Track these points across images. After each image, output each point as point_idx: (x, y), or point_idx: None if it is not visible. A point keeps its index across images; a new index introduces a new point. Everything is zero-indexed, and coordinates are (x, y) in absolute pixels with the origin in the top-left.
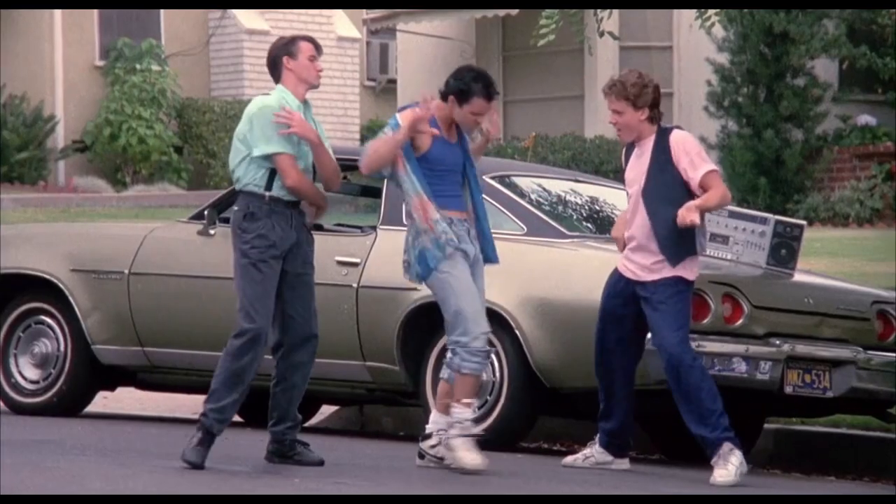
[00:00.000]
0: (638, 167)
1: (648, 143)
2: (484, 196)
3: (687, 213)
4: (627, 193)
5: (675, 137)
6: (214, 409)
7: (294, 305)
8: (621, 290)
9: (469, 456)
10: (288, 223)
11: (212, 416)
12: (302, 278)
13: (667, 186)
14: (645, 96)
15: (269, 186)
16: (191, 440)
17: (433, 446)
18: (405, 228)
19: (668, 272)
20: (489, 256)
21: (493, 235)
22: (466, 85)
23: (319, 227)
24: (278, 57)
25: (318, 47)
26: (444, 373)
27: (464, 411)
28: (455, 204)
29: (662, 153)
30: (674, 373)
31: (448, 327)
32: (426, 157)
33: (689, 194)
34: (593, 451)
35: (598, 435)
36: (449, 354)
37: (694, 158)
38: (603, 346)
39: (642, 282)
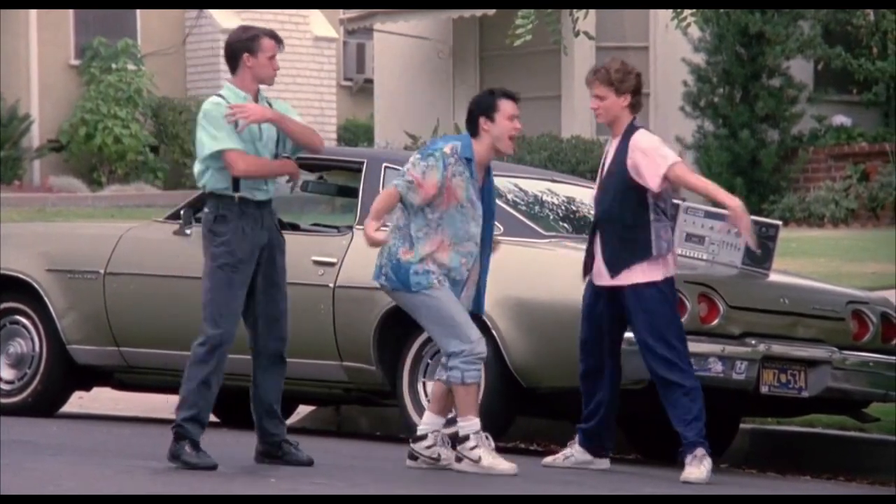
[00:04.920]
0: (606, 162)
1: (617, 140)
2: None
3: (739, 216)
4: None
5: (634, 138)
6: (189, 417)
7: (266, 307)
8: (600, 289)
9: (500, 462)
10: (258, 224)
11: (188, 426)
12: (272, 279)
13: (615, 191)
14: (628, 82)
15: (236, 187)
16: (181, 451)
17: (429, 447)
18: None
19: (631, 278)
20: (478, 307)
21: None
22: (488, 99)
23: (296, 227)
24: (238, 51)
25: (279, 42)
26: (441, 374)
27: (476, 421)
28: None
29: (620, 154)
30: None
31: (443, 343)
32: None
33: (639, 199)
34: (573, 451)
35: (578, 434)
36: (445, 372)
37: (655, 158)
38: (584, 344)
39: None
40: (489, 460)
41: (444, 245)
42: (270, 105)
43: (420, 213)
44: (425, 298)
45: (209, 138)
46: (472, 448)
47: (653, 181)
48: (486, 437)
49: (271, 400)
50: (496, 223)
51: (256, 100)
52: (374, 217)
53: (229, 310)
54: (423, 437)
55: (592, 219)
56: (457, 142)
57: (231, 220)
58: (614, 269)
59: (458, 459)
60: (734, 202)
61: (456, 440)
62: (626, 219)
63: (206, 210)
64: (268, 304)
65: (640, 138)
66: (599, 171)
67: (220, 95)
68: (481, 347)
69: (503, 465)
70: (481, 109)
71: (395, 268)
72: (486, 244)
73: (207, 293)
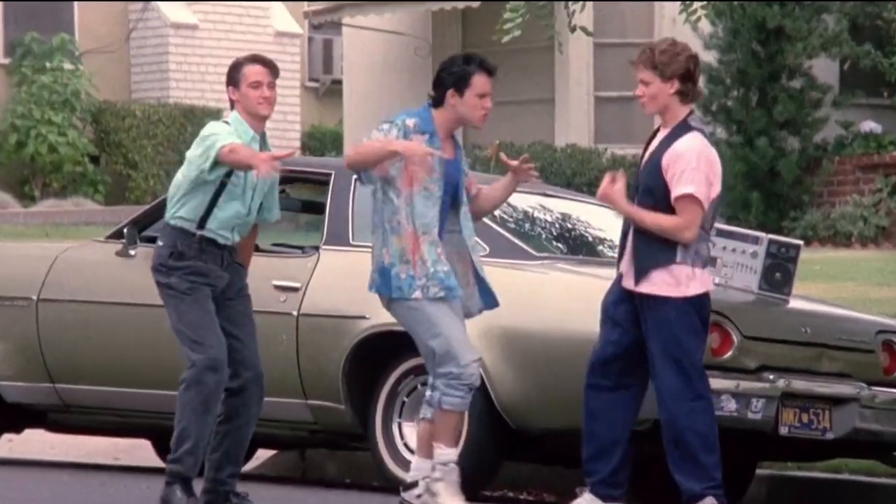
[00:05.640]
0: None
1: (665, 133)
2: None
3: (607, 186)
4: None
5: (677, 145)
6: (188, 450)
7: (238, 340)
8: (619, 291)
9: (455, 502)
10: (218, 263)
11: (187, 460)
12: (242, 311)
13: (651, 187)
14: (675, 65)
15: (201, 224)
16: (172, 496)
17: (419, 496)
18: (352, 248)
19: (649, 287)
20: (488, 302)
21: None
22: (461, 69)
23: (255, 248)
24: (227, 86)
25: (268, 67)
26: (426, 411)
27: (449, 452)
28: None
29: (661, 151)
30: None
31: (435, 361)
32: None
33: (670, 203)
34: (584, 500)
35: (590, 480)
36: (429, 391)
37: (679, 175)
38: (600, 365)
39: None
40: (442, 500)
41: (417, 239)
42: (265, 145)
43: (388, 201)
44: (408, 308)
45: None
46: (419, 496)
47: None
48: (455, 471)
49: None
50: (479, 241)
51: (263, 138)
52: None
53: (207, 328)
54: (414, 485)
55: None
56: (415, 118)
57: (190, 258)
58: (635, 274)
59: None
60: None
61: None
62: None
63: (159, 243)
64: (239, 333)
65: (683, 144)
66: (641, 155)
67: (226, 122)
68: (473, 370)
69: None
70: (451, 82)
71: (381, 272)
72: (466, 230)
73: (176, 326)
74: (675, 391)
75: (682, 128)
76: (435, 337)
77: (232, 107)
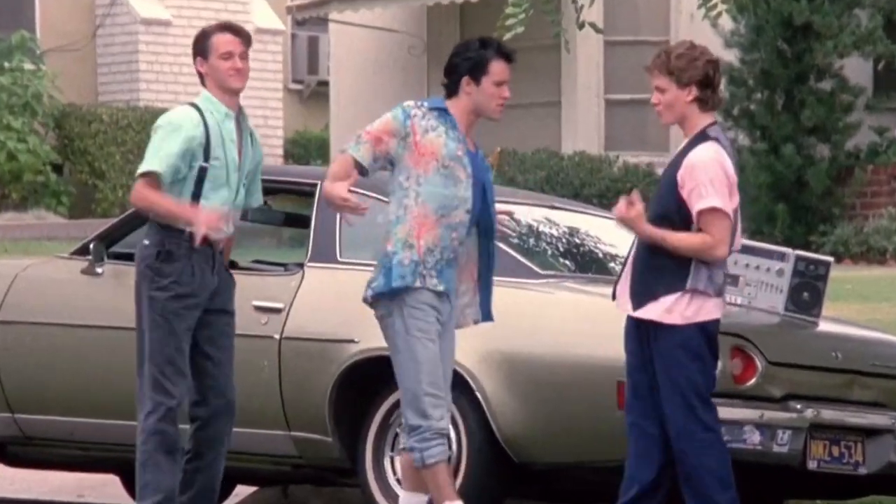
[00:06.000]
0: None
1: (683, 144)
2: None
3: (625, 207)
4: None
5: (692, 156)
6: (157, 502)
7: (214, 363)
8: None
9: None
10: (209, 265)
11: None
12: (223, 329)
13: (663, 207)
14: (693, 70)
15: None
16: None
17: None
18: (339, 266)
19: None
20: (485, 314)
21: None
22: (477, 53)
23: (234, 265)
24: (194, 58)
25: (240, 36)
26: (406, 440)
27: None
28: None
29: (675, 166)
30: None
31: (402, 405)
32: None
33: (686, 219)
34: None
35: None
36: (404, 438)
37: (699, 188)
38: (636, 406)
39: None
40: None
41: (428, 220)
42: (243, 120)
43: (396, 187)
44: (405, 337)
45: (150, 153)
46: None
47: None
48: None
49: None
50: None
51: (241, 115)
52: (330, 178)
53: (178, 370)
54: None
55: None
56: (423, 103)
57: (179, 259)
58: (638, 299)
59: None
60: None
61: None
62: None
63: (145, 243)
64: (216, 357)
65: (696, 155)
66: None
67: (194, 105)
68: (441, 424)
69: None
70: (467, 68)
71: (383, 267)
72: (488, 234)
73: (147, 350)
74: (682, 425)
75: (698, 138)
76: (410, 380)
77: (202, 82)
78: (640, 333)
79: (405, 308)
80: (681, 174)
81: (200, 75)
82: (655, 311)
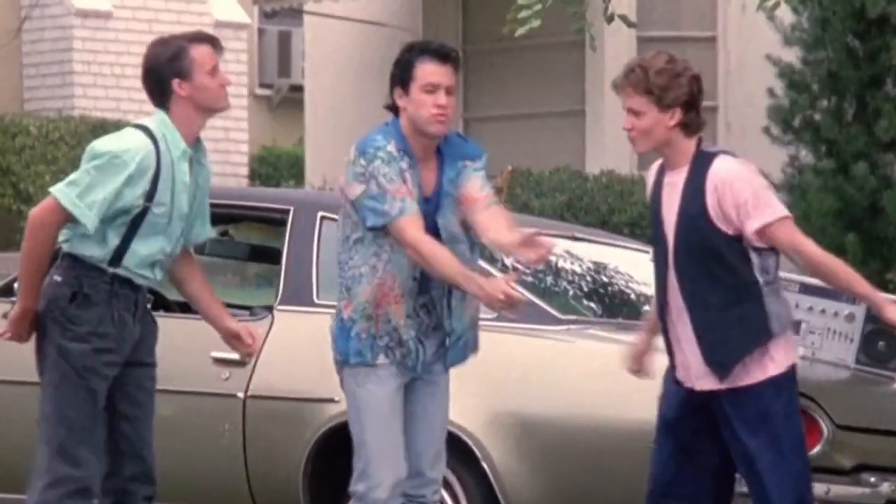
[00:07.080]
0: (670, 208)
1: (681, 175)
2: None
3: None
4: (654, 249)
5: (717, 173)
6: None
7: (130, 422)
8: (681, 395)
9: None
10: (130, 312)
11: None
12: (141, 384)
13: (701, 249)
14: (676, 90)
15: (116, 258)
16: None
17: None
18: (316, 309)
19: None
20: (457, 356)
21: None
22: (401, 57)
23: (186, 308)
24: (165, 78)
25: (215, 45)
26: None
27: None
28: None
29: (695, 197)
30: None
31: (353, 463)
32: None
33: (737, 256)
34: None
35: None
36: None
37: (749, 208)
38: (661, 474)
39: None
40: None
41: (393, 293)
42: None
43: (367, 235)
44: (352, 390)
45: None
46: None
47: (749, 227)
48: None
49: None
50: None
51: (198, 141)
52: (459, 270)
53: (90, 439)
54: None
55: (655, 299)
56: (390, 137)
57: (98, 303)
58: (725, 368)
59: None
60: (878, 298)
61: None
62: (724, 291)
63: (56, 279)
64: (135, 421)
65: (721, 170)
66: (654, 224)
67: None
68: (382, 494)
69: None
70: (399, 77)
71: (339, 329)
72: (451, 242)
73: (55, 412)
74: (787, 494)
75: (701, 160)
76: (357, 437)
77: (161, 104)
78: (702, 399)
79: (359, 382)
80: (711, 201)
81: (163, 100)
82: (752, 372)
